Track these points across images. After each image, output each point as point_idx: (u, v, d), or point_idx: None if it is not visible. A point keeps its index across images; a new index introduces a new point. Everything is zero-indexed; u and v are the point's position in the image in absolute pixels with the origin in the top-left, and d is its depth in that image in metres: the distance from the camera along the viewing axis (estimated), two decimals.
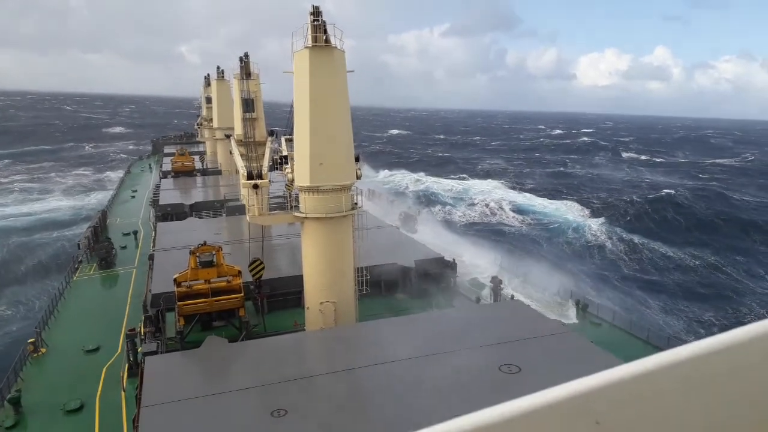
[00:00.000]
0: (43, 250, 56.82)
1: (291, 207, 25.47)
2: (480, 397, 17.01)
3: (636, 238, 70.09)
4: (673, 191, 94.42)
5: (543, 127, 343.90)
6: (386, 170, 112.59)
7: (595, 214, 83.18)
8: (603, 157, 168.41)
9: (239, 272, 26.45)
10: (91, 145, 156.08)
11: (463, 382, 18.20)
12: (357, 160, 25.36)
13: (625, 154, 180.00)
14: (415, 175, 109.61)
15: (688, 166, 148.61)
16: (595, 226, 75.82)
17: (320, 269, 24.88)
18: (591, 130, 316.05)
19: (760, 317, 47.25)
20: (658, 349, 26.94)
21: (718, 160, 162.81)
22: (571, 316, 30.07)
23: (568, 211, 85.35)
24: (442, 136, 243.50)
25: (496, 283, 30.87)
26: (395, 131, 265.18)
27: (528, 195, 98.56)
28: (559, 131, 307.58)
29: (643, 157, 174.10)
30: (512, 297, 30.88)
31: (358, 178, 25.29)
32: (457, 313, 26.08)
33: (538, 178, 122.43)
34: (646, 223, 77.88)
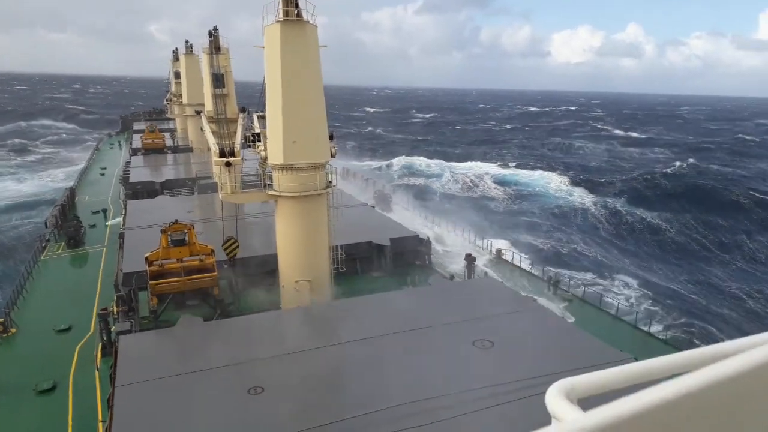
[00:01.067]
0: (3, 235, 54.97)
1: (264, 185, 25.22)
2: (455, 371, 17.42)
3: (618, 206, 71.68)
4: (654, 165, 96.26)
5: (520, 106, 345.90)
6: (368, 159, 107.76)
7: (574, 183, 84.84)
8: (581, 133, 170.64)
9: (212, 251, 26.20)
10: (50, 123, 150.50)
11: (438, 356, 18.54)
12: (331, 138, 25.16)
13: (602, 131, 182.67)
14: (400, 157, 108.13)
15: (666, 141, 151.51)
16: (575, 197, 77.29)
17: (295, 248, 24.83)
18: (569, 108, 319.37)
19: (734, 288, 47.99)
20: (626, 323, 27.74)
21: (692, 137, 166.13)
22: (550, 296, 30.58)
23: (547, 184, 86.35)
24: (419, 115, 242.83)
25: (470, 260, 31.25)
26: (371, 109, 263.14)
27: (505, 169, 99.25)
28: (534, 108, 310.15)
29: (619, 132, 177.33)
30: (486, 274, 31.35)
31: (333, 156, 25.13)
32: (432, 291, 26.36)
33: (517, 153, 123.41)
34: (626, 193, 79.35)
